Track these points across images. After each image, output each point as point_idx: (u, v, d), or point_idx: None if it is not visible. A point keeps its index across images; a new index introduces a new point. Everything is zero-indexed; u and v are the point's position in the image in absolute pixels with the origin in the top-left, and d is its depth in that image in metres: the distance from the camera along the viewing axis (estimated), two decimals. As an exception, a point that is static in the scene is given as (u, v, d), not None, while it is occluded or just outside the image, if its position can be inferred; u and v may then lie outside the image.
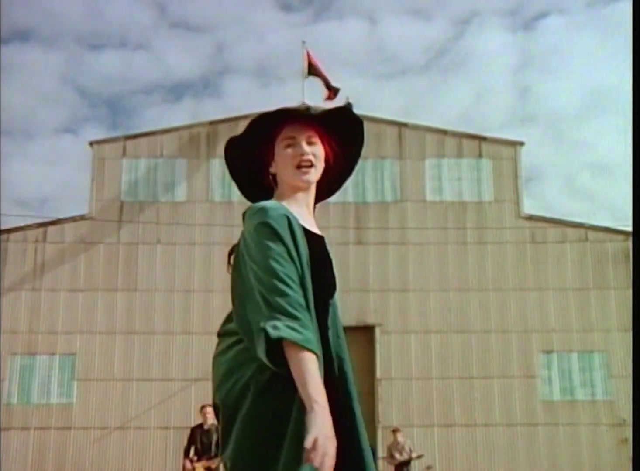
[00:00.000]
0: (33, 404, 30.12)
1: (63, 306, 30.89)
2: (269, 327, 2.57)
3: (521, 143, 33.57)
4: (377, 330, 31.02)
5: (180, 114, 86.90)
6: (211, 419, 12.52)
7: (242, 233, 2.82)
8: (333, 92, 32.53)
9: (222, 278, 31.49)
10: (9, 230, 31.61)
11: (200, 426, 12.65)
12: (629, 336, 28.34)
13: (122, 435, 29.92)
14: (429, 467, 30.73)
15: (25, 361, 30.44)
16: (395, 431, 18.50)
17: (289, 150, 2.90)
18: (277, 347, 2.57)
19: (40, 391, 30.24)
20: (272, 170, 2.93)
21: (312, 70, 32.47)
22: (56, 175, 79.19)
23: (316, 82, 33.09)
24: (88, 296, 31.02)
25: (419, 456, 17.80)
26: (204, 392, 29.52)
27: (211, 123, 33.45)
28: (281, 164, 2.93)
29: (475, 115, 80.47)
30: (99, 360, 30.47)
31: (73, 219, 32.19)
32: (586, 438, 30.07)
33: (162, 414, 30.19)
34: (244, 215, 2.87)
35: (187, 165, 32.71)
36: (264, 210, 2.75)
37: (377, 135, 33.30)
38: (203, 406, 13.10)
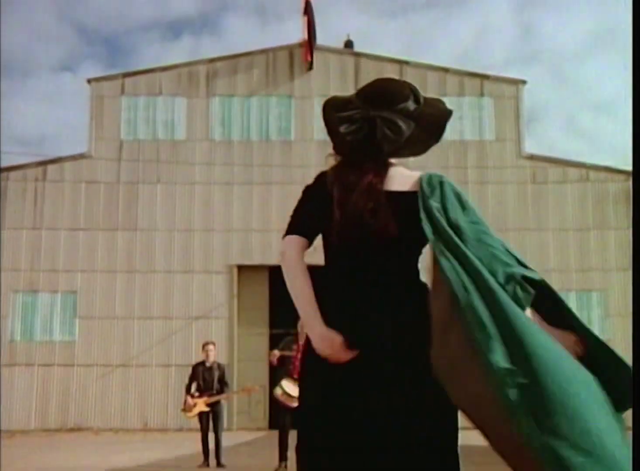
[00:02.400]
0: (36, 341, 30.44)
1: (64, 245, 30.97)
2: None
3: (523, 82, 33.23)
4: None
5: (179, 52, 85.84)
6: (213, 356, 12.58)
7: (443, 190, 2.75)
8: (309, 44, 31.88)
9: (222, 217, 31.52)
10: (8, 169, 31.51)
11: (202, 363, 12.59)
12: (628, 275, 28.51)
13: (124, 372, 30.30)
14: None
15: (27, 298, 30.66)
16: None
17: None
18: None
19: (43, 328, 30.54)
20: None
21: (308, 9, 31.93)
22: (55, 114, 78.65)
23: (317, 20, 32.59)
24: (88, 235, 31.08)
25: None
26: (205, 330, 29.82)
27: (210, 61, 33.06)
28: None
29: (477, 54, 79.55)
30: (100, 299, 30.68)
31: (72, 158, 32.06)
32: (582, 376, 30.47)
33: (163, 352, 30.52)
34: (430, 181, 2.76)
35: (187, 104, 32.44)
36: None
37: (378, 74, 32.90)
38: (206, 344, 13.07)
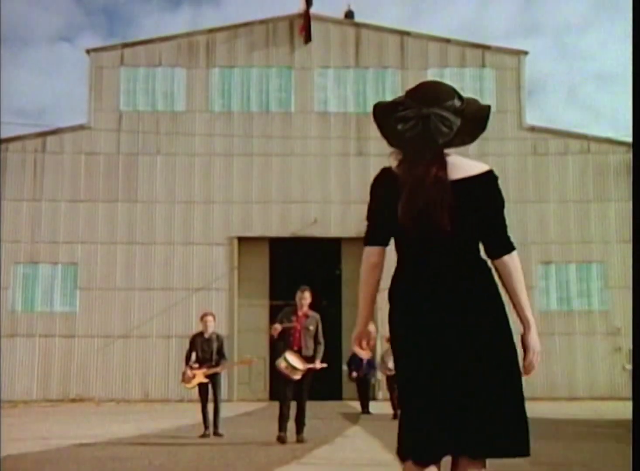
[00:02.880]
0: (37, 312, 30.55)
1: (64, 216, 30.96)
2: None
3: (525, 53, 33.03)
4: (377, 241, 31.14)
5: (179, 22, 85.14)
6: (211, 327, 12.39)
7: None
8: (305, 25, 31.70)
9: (222, 188, 31.48)
10: (7, 140, 31.41)
11: (201, 334, 12.33)
12: (628, 247, 28.55)
13: (125, 343, 30.44)
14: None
15: (27, 270, 30.71)
16: (389, 340, 18.51)
17: None
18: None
19: (44, 300, 30.63)
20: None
21: None
22: (53, 85, 78.22)
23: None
24: (88, 206, 31.06)
25: None
26: (205, 302, 29.91)
27: (210, 31, 32.82)
28: None
29: (479, 24, 78.93)
30: (101, 270, 30.73)
31: (72, 129, 31.95)
32: (581, 347, 30.61)
33: (163, 323, 30.64)
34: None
35: (186, 75, 32.27)
36: None
37: (378, 44, 32.74)
38: (204, 315, 12.92)
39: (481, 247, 3.26)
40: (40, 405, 27.50)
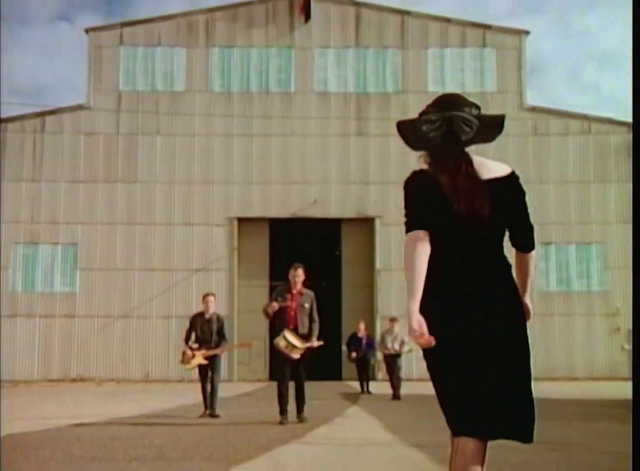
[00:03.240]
0: (37, 292, 30.60)
1: (63, 197, 30.93)
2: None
3: (526, 33, 32.86)
4: (377, 222, 31.17)
5: (178, 2, 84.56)
6: (212, 308, 12.34)
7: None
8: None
9: (221, 169, 31.43)
10: (6, 120, 31.33)
11: (202, 314, 12.29)
12: (628, 228, 28.54)
13: (125, 323, 30.51)
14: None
15: (28, 250, 30.73)
16: (393, 320, 18.55)
17: None
18: None
19: (44, 280, 30.67)
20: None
21: None
22: (52, 64, 77.90)
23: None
24: (88, 187, 31.03)
25: (409, 351, 17.84)
26: (205, 282, 29.94)
27: (209, 10, 32.63)
28: None
29: (480, 3, 78.48)
30: (101, 251, 30.75)
31: (71, 109, 31.85)
32: (580, 328, 30.68)
33: (163, 304, 30.70)
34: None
35: (186, 54, 32.12)
36: None
37: (379, 24, 32.57)
38: (206, 295, 12.68)
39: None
40: (41, 385, 27.61)
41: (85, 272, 30.65)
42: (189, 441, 8.39)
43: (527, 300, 3.58)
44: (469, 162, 3.54)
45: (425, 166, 3.59)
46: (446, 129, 3.52)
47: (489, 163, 3.63)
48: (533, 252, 3.63)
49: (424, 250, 3.38)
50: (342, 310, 31.28)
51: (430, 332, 3.29)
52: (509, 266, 3.53)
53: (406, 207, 3.52)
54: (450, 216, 3.40)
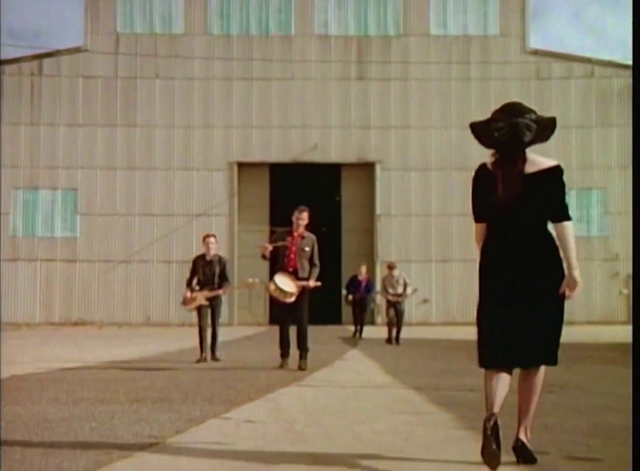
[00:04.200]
0: (38, 237, 30.66)
1: (62, 141, 30.77)
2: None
3: (530, -26, 32.30)
4: (378, 167, 31.06)
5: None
6: (214, 250, 12.19)
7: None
8: None
9: (221, 113, 31.20)
10: (3, 62, 30.97)
11: (203, 256, 12.11)
12: (628, 173, 28.40)
13: (126, 268, 30.63)
14: (425, 301, 31.79)
15: (27, 195, 30.70)
16: (390, 267, 18.30)
17: None
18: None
19: (44, 225, 30.70)
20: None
21: None
22: (49, 5, 76.72)
23: None
24: (87, 131, 30.84)
25: (414, 291, 17.80)
26: (205, 227, 29.87)
27: (208, -50, 32.01)
28: None
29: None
30: (101, 196, 30.72)
31: (68, 51, 31.48)
32: (580, 272, 30.78)
33: (164, 248, 30.77)
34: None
35: (184, -4, 31.63)
36: None
37: (380, -36, 31.98)
38: (207, 236, 12.48)
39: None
40: (43, 328, 27.84)
41: (85, 217, 30.66)
42: (190, 383, 8.48)
43: (575, 272, 4.54)
44: (524, 159, 4.44)
45: (492, 159, 4.53)
46: (511, 133, 4.42)
47: (538, 159, 4.50)
48: (566, 223, 4.40)
49: (482, 236, 4.59)
50: (342, 255, 31.37)
51: (484, 285, 4.47)
52: (551, 243, 4.45)
53: (472, 198, 4.62)
54: (495, 202, 4.41)
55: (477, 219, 4.63)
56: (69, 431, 5.29)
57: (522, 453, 4.28)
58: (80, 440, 4.99)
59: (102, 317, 30.09)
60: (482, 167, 4.60)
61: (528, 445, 4.31)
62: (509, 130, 4.42)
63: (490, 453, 3.94)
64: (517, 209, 4.38)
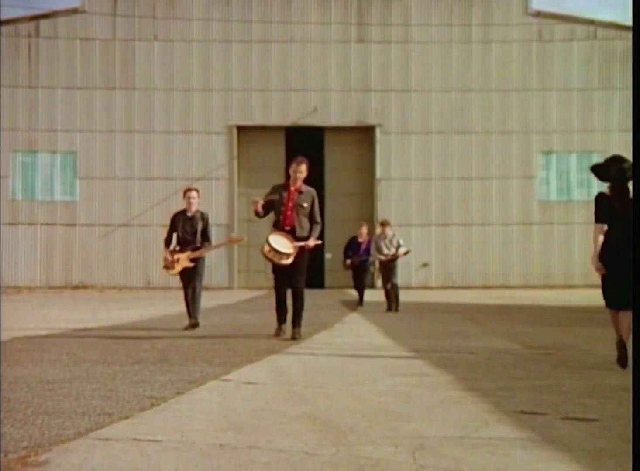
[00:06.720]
0: (37, 201, 30.61)
1: (61, 104, 30.58)
2: None
3: None
4: (378, 130, 30.93)
5: None
6: (195, 205, 11.15)
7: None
8: None
9: (220, 76, 30.97)
10: (2, 23, 30.65)
11: (183, 212, 11.08)
12: (629, 136, 28.22)
13: (126, 232, 30.63)
14: (425, 264, 31.85)
15: (26, 158, 30.59)
16: (384, 224, 17.46)
17: None
18: None
19: (44, 188, 30.64)
20: None
21: None
22: (46, -33, 75.75)
23: None
24: (86, 94, 30.64)
25: (406, 252, 17.15)
26: (205, 191, 29.82)
27: None
28: None
29: None
30: (100, 159, 30.61)
31: (65, 12, 31.16)
32: (580, 237, 30.82)
33: (164, 212, 30.65)
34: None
35: (182, -44, 31.22)
36: None
37: None
38: (187, 190, 11.24)
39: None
40: (44, 291, 27.95)
41: (85, 181, 30.58)
42: (190, 345, 8.53)
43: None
44: (627, 190, 6.95)
45: (608, 191, 7.09)
46: (620, 174, 6.93)
47: (631, 190, 6.88)
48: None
49: (602, 232, 7.01)
50: (326, 219, 31.22)
51: (603, 261, 6.98)
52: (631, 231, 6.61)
53: (595, 210, 7.11)
54: (614, 213, 6.92)
55: (598, 221, 7.06)
56: (70, 392, 5.33)
57: (622, 350, 6.75)
58: (81, 401, 5.03)
59: (103, 281, 30.16)
60: (601, 195, 7.13)
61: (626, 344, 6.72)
62: (619, 172, 6.92)
63: (623, 362, 6.68)
64: (623, 215, 6.83)
